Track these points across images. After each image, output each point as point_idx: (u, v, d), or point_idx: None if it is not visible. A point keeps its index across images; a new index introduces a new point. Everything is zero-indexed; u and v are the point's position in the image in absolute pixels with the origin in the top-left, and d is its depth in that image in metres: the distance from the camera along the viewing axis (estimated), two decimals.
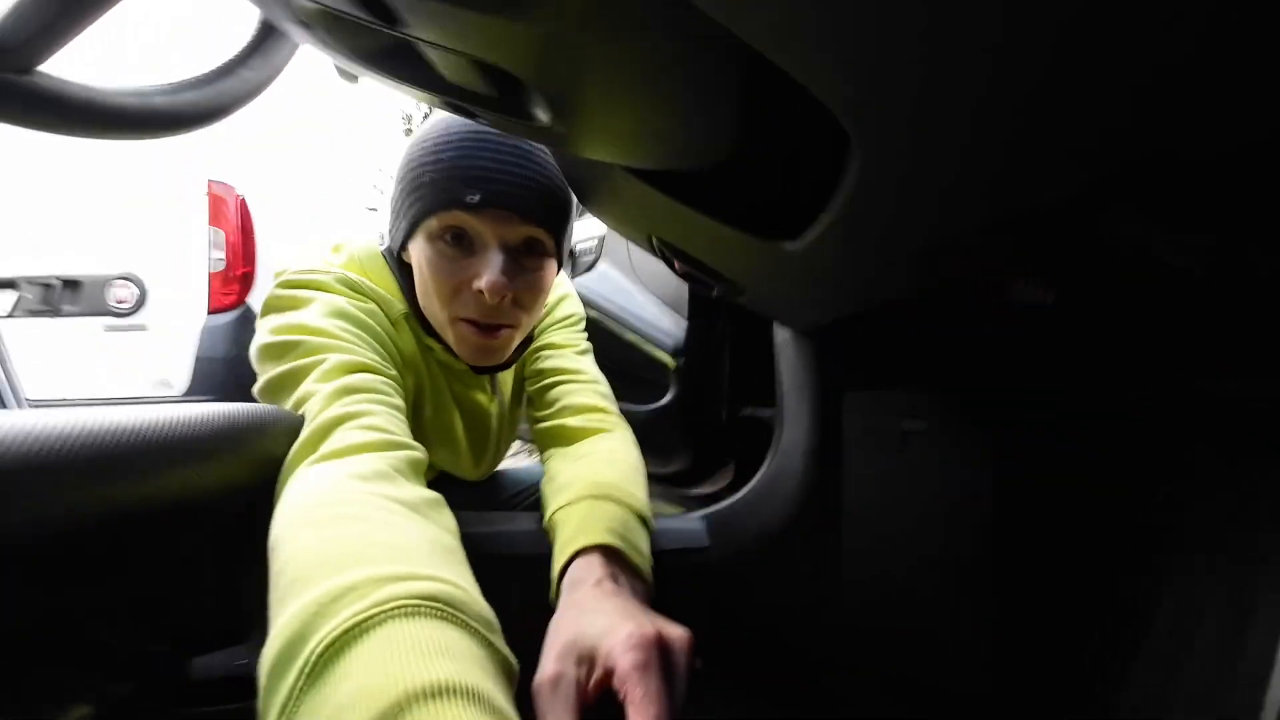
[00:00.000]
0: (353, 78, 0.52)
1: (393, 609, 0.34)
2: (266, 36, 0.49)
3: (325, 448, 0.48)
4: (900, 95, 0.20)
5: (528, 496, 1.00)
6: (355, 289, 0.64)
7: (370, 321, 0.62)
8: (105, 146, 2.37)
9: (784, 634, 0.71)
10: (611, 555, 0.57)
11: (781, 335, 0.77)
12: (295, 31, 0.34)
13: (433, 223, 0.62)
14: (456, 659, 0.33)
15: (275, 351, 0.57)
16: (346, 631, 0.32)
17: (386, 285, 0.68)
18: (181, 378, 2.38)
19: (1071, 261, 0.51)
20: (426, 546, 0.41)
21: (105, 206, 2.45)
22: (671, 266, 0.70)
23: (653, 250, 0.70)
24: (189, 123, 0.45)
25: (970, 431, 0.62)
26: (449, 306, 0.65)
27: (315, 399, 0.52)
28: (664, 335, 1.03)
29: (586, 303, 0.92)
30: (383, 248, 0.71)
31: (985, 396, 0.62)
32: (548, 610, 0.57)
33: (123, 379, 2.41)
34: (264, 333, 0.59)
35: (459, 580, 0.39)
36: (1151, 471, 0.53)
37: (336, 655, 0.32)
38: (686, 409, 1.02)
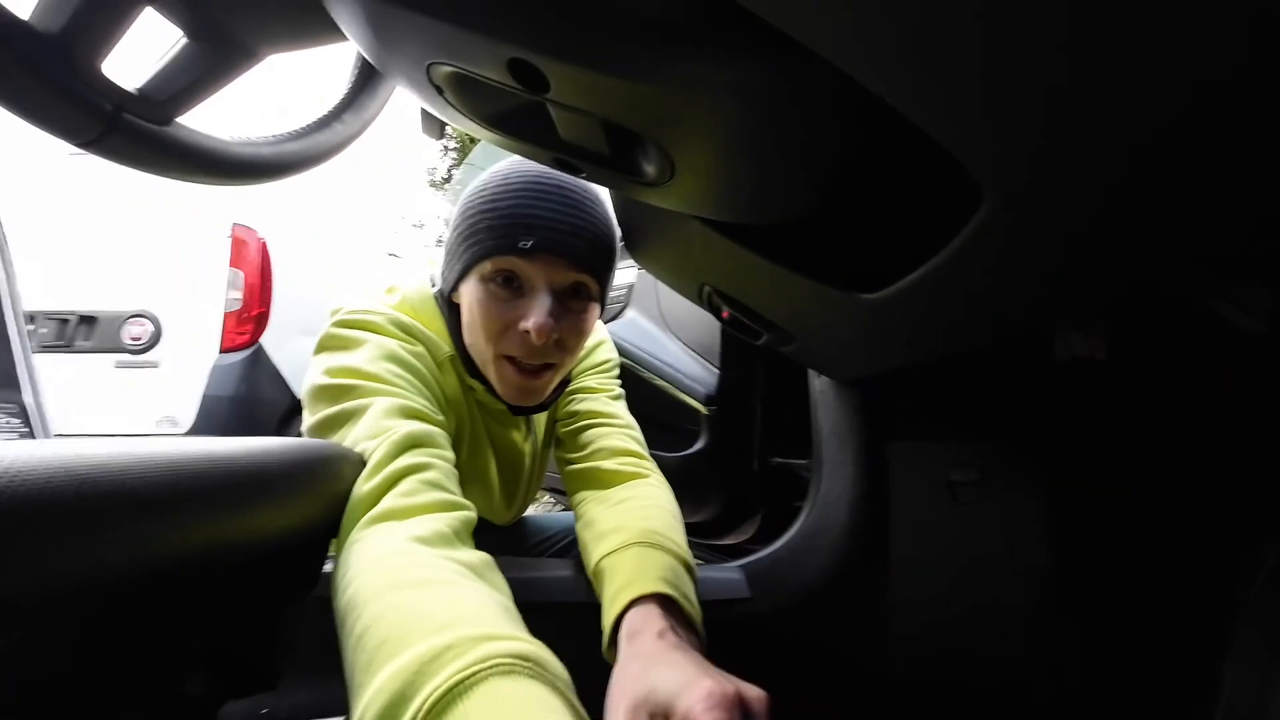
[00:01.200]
0: (438, 133, 0.56)
1: (492, 667, 0.35)
2: (360, 92, 0.53)
3: (389, 503, 0.49)
4: (1047, 171, 0.22)
5: (556, 543, 0.99)
6: (406, 330, 0.66)
7: (419, 365, 0.64)
8: (135, 189, 2.44)
9: (831, 688, 0.69)
10: (668, 605, 0.56)
11: (820, 384, 0.78)
12: (421, 91, 0.37)
13: (486, 266, 0.64)
14: (555, 714, 0.34)
15: (330, 394, 0.59)
16: (452, 689, 0.34)
17: (435, 327, 0.71)
18: (187, 415, 2.36)
19: (1126, 316, 0.54)
20: (496, 608, 0.43)
21: (128, 245, 2.49)
22: (718, 316, 0.72)
23: (699, 299, 0.72)
24: (289, 170, 0.48)
25: (1023, 483, 0.63)
26: (495, 345, 0.66)
27: (382, 444, 0.53)
28: (694, 383, 1.05)
29: (619, 350, 0.94)
30: (434, 290, 0.74)
31: (1035, 447, 0.62)
32: (587, 660, 0.56)
33: (129, 415, 2.39)
34: (317, 373, 0.60)
35: (533, 640, 0.40)
36: (1212, 529, 0.53)
37: (445, 709, 0.33)
38: (718, 457, 1.02)
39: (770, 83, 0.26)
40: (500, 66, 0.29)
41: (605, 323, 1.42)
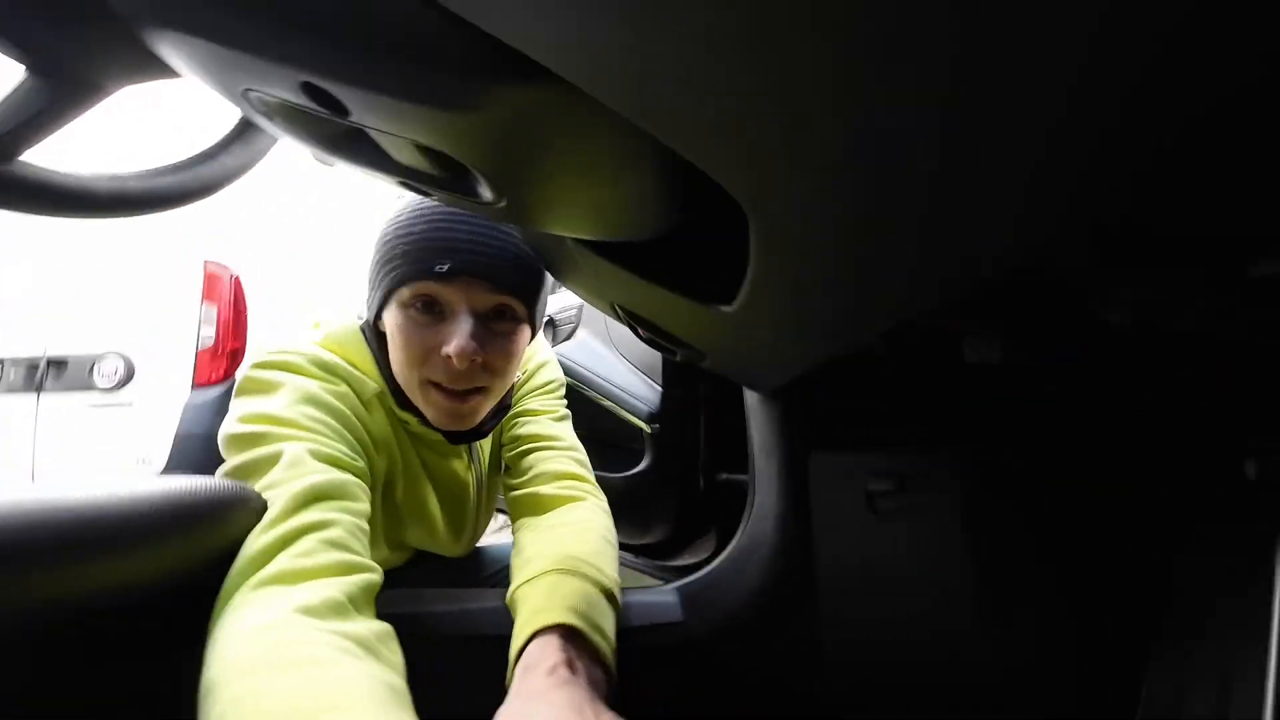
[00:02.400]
0: (328, 161, 0.56)
1: None
2: (249, 125, 0.53)
3: (280, 564, 0.47)
4: (789, 196, 0.22)
5: (507, 574, 0.97)
6: (328, 369, 0.65)
7: (340, 406, 0.63)
8: (105, 228, 2.45)
9: (764, 714, 0.67)
10: (571, 636, 0.54)
11: (751, 398, 0.78)
12: (261, 122, 0.37)
13: (405, 292, 0.64)
14: None
15: (241, 441, 0.57)
16: None
17: (362, 360, 0.69)
18: (161, 454, 2.33)
19: (1017, 319, 0.53)
20: (377, 693, 0.40)
21: (97, 285, 2.49)
22: (636, 333, 0.72)
23: (617, 316, 0.72)
24: (166, 203, 0.47)
25: (940, 491, 0.62)
26: (419, 370, 0.66)
27: (280, 495, 0.51)
28: (639, 401, 1.04)
29: (565, 371, 0.93)
30: (361, 323, 0.73)
31: (951, 455, 0.62)
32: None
33: (103, 457, 2.36)
34: (233, 420, 0.59)
35: None
36: (1128, 523, 0.53)
37: None
38: (663, 475, 1.01)
39: (547, 105, 0.26)
40: (296, 90, 0.29)
41: (558, 344, 1.42)
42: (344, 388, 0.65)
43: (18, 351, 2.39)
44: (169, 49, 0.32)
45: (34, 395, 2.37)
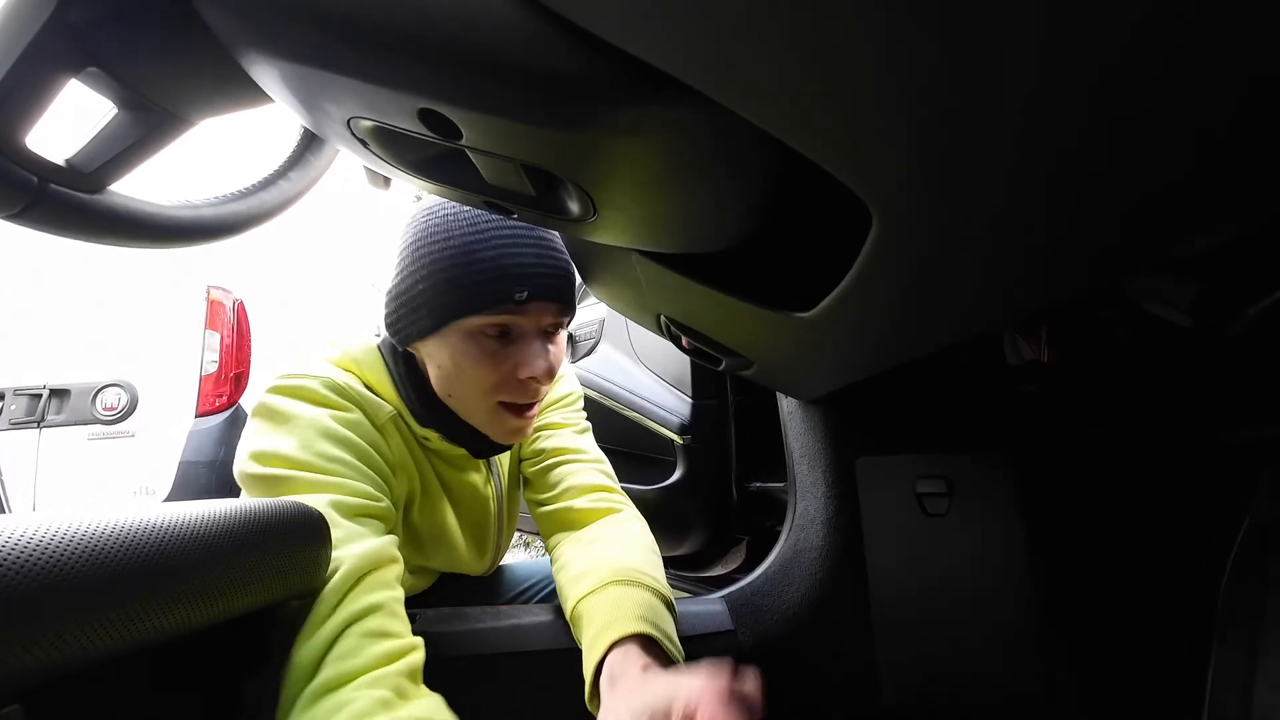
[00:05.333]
0: (384, 184, 0.57)
1: None
2: (305, 150, 0.54)
3: (325, 673, 0.48)
4: (925, 196, 0.23)
5: (538, 591, 0.96)
6: (342, 393, 0.64)
7: (354, 438, 0.62)
8: (105, 257, 2.44)
9: (822, 718, 0.66)
10: (648, 644, 0.55)
11: (788, 405, 0.79)
12: (348, 145, 0.38)
13: (474, 320, 0.61)
14: None
15: (261, 485, 0.57)
16: None
17: (378, 381, 0.68)
18: (164, 484, 2.30)
19: (1066, 319, 0.55)
20: None
21: (100, 315, 2.47)
22: (678, 344, 0.73)
23: (659, 330, 0.73)
24: (234, 230, 0.48)
25: (991, 491, 0.62)
26: (491, 396, 0.65)
27: (335, 578, 0.52)
28: (669, 413, 1.05)
29: (589, 385, 0.93)
30: (379, 341, 0.71)
31: (1001, 456, 0.63)
32: (569, 706, 0.54)
33: (105, 487, 2.33)
34: (248, 459, 0.58)
35: None
36: (1184, 519, 0.53)
37: None
38: (696, 486, 1.01)
39: (676, 124, 0.27)
40: (412, 117, 0.30)
41: (580, 359, 1.43)
42: (357, 414, 0.64)
43: (19, 381, 2.36)
44: (268, 77, 0.33)
45: (36, 426, 2.34)
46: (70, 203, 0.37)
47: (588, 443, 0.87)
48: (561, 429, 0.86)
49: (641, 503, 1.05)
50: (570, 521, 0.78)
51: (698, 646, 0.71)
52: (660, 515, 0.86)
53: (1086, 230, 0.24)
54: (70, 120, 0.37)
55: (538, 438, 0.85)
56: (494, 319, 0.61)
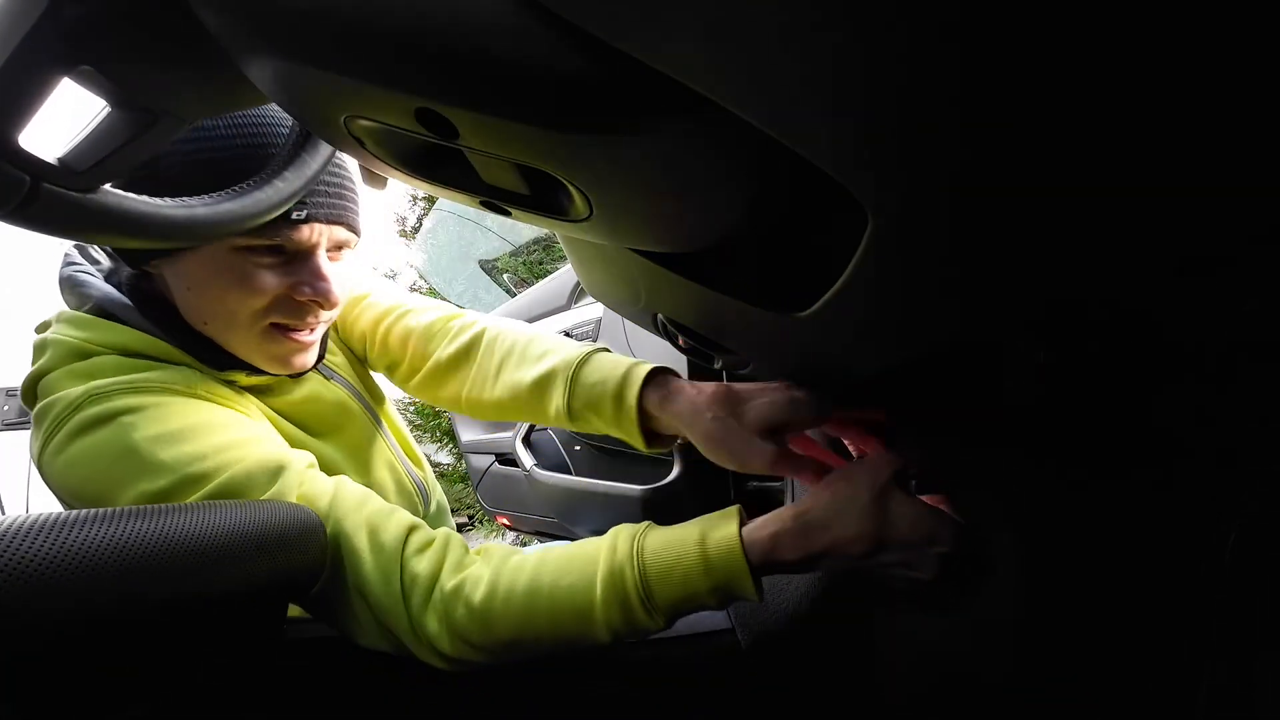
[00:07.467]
0: (382, 182, 0.56)
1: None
2: (301, 149, 0.53)
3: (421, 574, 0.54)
4: (923, 194, 0.23)
5: None
6: (141, 366, 0.57)
7: (198, 408, 0.56)
8: None
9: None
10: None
11: None
12: (345, 145, 0.37)
13: (237, 239, 0.55)
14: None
15: (187, 485, 0.52)
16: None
17: (141, 343, 0.58)
18: None
19: (1072, 320, 0.55)
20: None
21: None
22: (675, 343, 0.73)
23: (656, 329, 0.73)
24: (228, 229, 0.48)
25: (989, 488, 0.63)
26: (261, 319, 0.59)
27: (340, 528, 0.54)
28: None
29: None
30: (98, 295, 0.60)
31: (997, 454, 0.63)
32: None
33: None
34: (139, 483, 0.51)
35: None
36: (1183, 519, 0.54)
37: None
38: (693, 485, 1.01)
39: (675, 126, 0.27)
40: (409, 117, 0.30)
41: None
42: (168, 373, 0.57)
43: (13, 382, 2.35)
44: (262, 75, 0.33)
45: (29, 427, 2.33)
46: (63, 201, 0.36)
47: (400, 294, 0.80)
48: (368, 300, 0.79)
49: (639, 503, 1.05)
50: (452, 366, 0.73)
51: (696, 645, 0.71)
52: (657, 515, 0.86)
53: (1086, 230, 0.25)
54: (63, 119, 0.37)
55: (356, 318, 0.79)
56: (267, 237, 0.56)
